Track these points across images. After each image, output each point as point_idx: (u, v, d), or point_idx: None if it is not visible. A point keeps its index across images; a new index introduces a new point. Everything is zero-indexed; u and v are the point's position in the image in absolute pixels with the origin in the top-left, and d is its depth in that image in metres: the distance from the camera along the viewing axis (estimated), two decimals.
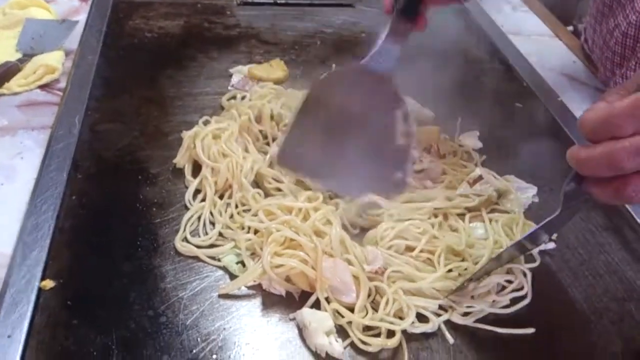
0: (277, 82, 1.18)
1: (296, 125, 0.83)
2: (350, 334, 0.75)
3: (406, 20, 0.85)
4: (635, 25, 1.14)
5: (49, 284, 0.76)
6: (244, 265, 0.81)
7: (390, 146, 0.83)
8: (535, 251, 0.89)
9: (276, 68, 1.23)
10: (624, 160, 0.54)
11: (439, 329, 0.78)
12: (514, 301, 0.82)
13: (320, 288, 0.76)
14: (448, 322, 0.78)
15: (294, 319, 0.76)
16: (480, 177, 0.96)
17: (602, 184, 0.58)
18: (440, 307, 0.79)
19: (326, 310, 0.76)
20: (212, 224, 0.87)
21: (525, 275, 0.85)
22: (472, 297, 0.81)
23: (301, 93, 1.07)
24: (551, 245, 0.91)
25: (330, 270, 0.77)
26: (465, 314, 0.80)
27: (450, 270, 0.83)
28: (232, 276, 0.81)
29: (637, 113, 0.54)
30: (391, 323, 0.76)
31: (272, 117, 1.02)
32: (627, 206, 0.99)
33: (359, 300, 0.77)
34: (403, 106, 0.83)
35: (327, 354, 0.72)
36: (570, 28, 1.69)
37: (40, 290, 0.75)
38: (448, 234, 0.88)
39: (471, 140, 1.10)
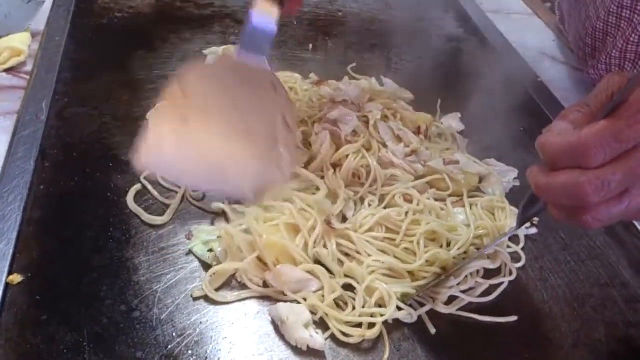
0: None
1: (158, 124, 0.74)
2: (330, 326, 0.73)
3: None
4: (604, 20, 1.13)
5: (16, 278, 0.73)
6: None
7: (264, 140, 0.76)
8: (520, 233, 0.89)
9: None
10: (589, 195, 0.53)
11: (420, 319, 0.76)
12: (494, 288, 0.82)
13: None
14: (430, 312, 0.77)
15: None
16: (456, 161, 0.94)
17: (560, 207, 0.57)
18: (420, 296, 0.78)
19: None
20: None
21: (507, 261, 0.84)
22: (451, 287, 0.80)
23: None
24: (533, 231, 0.90)
25: (277, 279, 0.75)
26: (448, 303, 0.79)
27: (429, 262, 0.81)
28: (207, 266, 0.78)
29: (606, 144, 0.51)
30: (371, 315, 0.74)
31: None
32: None
33: (326, 287, 0.76)
34: (280, 95, 0.78)
35: (308, 347, 0.71)
36: (548, 5, 1.68)
37: (7, 285, 0.72)
38: (429, 218, 0.86)
39: (454, 122, 1.08)
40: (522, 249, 0.88)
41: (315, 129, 0.93)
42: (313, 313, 0.74)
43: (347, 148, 0.90)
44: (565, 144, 0.53)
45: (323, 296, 0.76)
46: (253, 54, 0.77)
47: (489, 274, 0.83)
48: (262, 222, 0.80)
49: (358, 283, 0.77)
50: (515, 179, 0.97)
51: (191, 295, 0.74)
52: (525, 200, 0.65)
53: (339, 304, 0.76)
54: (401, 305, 0.76)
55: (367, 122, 0.96)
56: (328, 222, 0.80)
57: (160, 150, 0.70)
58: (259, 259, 0.78)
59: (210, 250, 0.79)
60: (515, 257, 0.87)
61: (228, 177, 0.72)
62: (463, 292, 0.80)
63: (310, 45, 1.26)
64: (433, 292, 0.79)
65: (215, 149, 0.72)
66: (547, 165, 0.56)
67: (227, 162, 0.72)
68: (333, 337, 0.73)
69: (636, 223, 0.93)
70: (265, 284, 0.77)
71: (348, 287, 0.78)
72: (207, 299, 0.75)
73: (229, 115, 0.75)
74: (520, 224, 0.70)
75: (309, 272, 0.77)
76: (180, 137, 0.71)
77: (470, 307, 0.79)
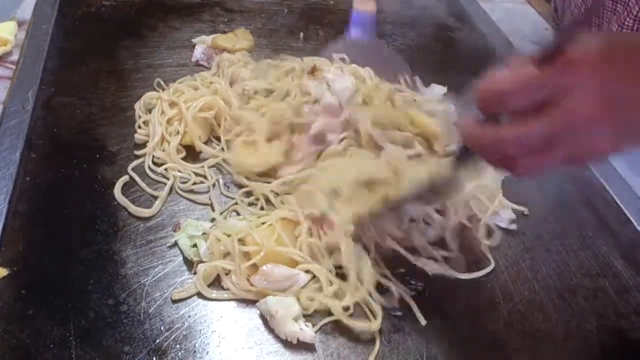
0: (243, 51, 1.14)
1: None
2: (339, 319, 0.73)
3: None
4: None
5: (2, 272, 0.72)
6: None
7: None
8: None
9: (241, 38, 1.18)
10: (511, 149, 0.55)
11: (411, 310, 0.76)
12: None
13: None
14: (420, 304, 0.76)
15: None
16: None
17: (491, 158, 0.60)
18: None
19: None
20: None
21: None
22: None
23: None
24: (513, 226, 0.89)
25: (265, 280, 0.74)
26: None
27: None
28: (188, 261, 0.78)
29: (528, 89, 0.53)
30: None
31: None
32: (601, 179, 0.98)
33: (323, 280, 0.76)
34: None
35: (298, 340, 0.70)
36: None
37: None
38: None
39: (437, 89, 1.10)
40: (513, 239, 0.87)
41: (296, 141, 0.91)
42: (306, 309, 0.73)
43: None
44: (491, 88, 0.55)
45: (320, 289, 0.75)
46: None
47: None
48: (255, 226, 0.79)
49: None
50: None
51: (171, 299, 0.73)
52: (459, 150, 0.66)
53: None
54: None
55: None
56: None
57: None
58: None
59: (194, 246, 0.78)
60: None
61: None
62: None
63: (302, 34, 1.25)
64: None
65: None
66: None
67: None
68: (323, 330, 0.72)
69: (629, 215, 0.92)
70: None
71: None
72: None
73: None
74: (454, 171, 0.68)
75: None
76: None
77: (459, 300, 0.79)
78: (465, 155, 0.64)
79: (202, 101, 0.93)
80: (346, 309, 0.73)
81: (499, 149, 0.56)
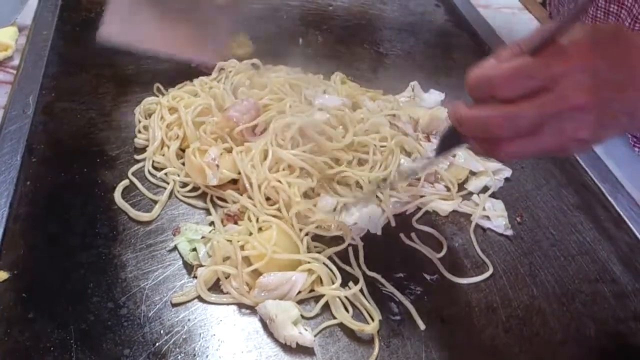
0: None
1: None
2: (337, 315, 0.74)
3: None
4: (592, 16, 1.12)
5: (2, 275, 0.73)
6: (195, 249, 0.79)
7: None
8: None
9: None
10: (500, 129, 0.56)
11: (410, 315, 0.76)
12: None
13: None
14: (419, 309, 0.77)
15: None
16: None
17: (477, 140, 0.60)
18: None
19: None
20: None
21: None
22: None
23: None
24: (509, 232, 0.90)
25: (260, 293, 0.74)
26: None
27: None
28: (187, 264, 0.78)
29: (520, 77, 0.54)
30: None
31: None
32: (597, 183, 0.98)
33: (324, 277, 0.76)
34: None
35: (297, 343, 0.70)
36: None
37: None
38: None
39: (435, 95, 1.11)
40: (511, 245, 0.88)
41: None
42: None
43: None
44: (482, 75, 0.56)
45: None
46: None
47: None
48: (256, 232, 0.79)
49: None
50: (507, 177, 0.98)
51: (171, 302, 0.73)
52: (445, 132, 0.67)
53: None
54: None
55: None
56: None
57: (124, 19, 0.73)
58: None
59: (194, 250, 0.78)
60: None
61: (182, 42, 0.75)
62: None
63: (300, 40, 1.25)
64: None
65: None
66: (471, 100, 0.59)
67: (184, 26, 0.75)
68: (322, 334, 0.73)
69: (626, 219, 0.93)
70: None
71: None
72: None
73: None
74: (438, 152, 0.69)
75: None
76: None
77: (460, 306, 0.79)
78: (451, 138, 0.65)
79: (201, 106, 0.93)
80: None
81: (487, 127, 0.57)
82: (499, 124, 0.56)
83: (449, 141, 0.66)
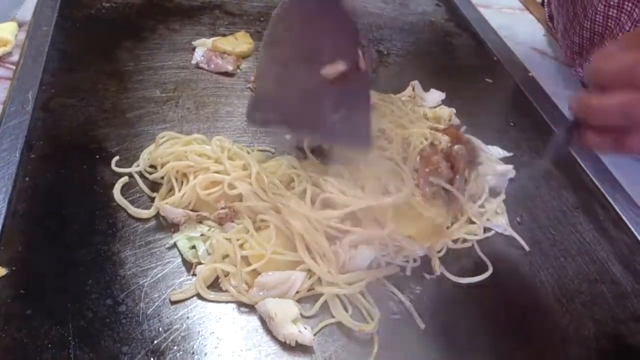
0: (242, 55, 1.14)
1: (263, 72, 0.79)
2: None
3: None
4: (591, 19, 1.12)
5: (0, 271, 0.72)
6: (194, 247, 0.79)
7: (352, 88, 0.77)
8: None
9: (241, 41, 1.18)
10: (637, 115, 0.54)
11: (410, 314, 0.76)
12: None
13: None
14: (419, 308, 0.77)
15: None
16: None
17: (603, 133, 0.57)
18: None
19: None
20: None
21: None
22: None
23: None
24: (508, 232, 0.90)
25: (259, 292, 0.74)
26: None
27: None
28: (187, 262, 0.78)
29: None
30: None
31: None
32: (597, 184, 0.98)
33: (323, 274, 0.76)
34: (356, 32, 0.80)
35: (296, 342, 0.70)
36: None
37: None
38: None
39: (436, 94, 1.10)
40: (510, 245, 0.88)
41: None
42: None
43: None
44: (621, 65, 0.54)
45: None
46: None
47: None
48: (253, 231, 0.79)
49: None
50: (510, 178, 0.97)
51: (170, 300, 0.73)
52: (561, 133, 0.64)
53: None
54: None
55: None
56: None
57: (268, 102, 0.76)
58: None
59: (193, 247, 0.78)
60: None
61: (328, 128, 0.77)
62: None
63: None
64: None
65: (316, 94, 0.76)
66: (597, 90, 0.56)
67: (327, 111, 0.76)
68: (321, 333, 0.73)
69: (626, 219, 0.93)
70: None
71: None
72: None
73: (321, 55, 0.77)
74: (554, 156, 0.68)
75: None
76: (283, 84, 0.76)
77: (458, 306, 0.79)
78: (568, 137, 0.63)
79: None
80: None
81: (633, 111, 0.54)
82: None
83: (566, 142, 0.64)
